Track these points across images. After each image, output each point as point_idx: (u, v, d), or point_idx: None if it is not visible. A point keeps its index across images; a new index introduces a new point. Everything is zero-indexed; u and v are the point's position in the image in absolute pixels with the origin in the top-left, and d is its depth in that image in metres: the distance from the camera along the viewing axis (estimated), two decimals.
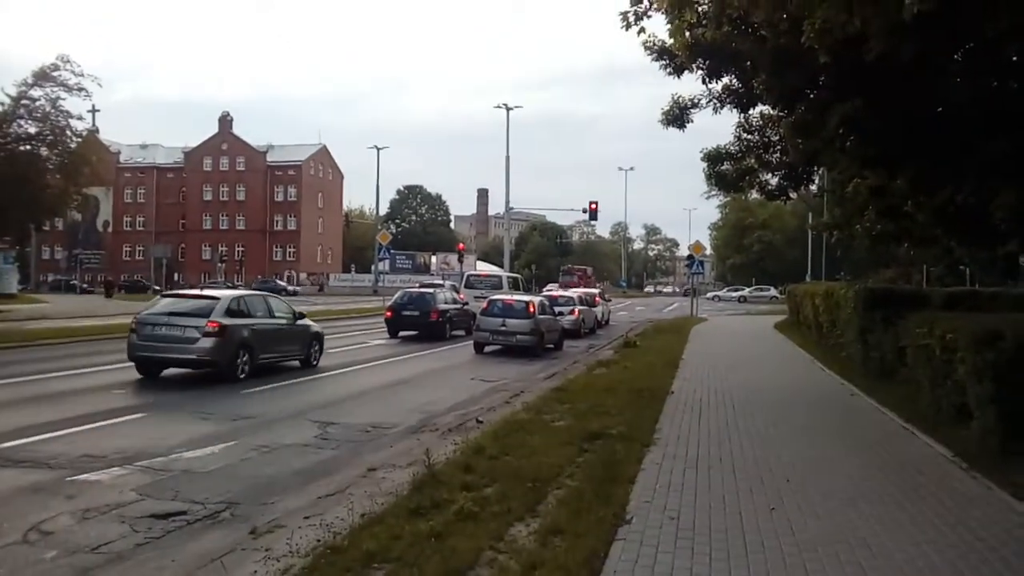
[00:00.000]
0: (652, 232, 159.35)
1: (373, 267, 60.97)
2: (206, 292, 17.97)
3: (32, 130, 38.37)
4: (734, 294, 75.44)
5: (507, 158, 53.43)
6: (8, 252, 55.32)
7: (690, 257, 42.51)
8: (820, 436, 9.92)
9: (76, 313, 35.00)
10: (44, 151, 38.96)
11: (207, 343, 14.33)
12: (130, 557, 5.82)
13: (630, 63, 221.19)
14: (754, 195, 27.37)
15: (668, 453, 8.51)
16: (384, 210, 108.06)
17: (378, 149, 63.52)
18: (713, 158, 17.55)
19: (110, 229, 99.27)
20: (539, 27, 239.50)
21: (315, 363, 17.55)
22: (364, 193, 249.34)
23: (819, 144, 11.96)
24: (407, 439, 10.25)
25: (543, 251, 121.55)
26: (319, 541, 5.84)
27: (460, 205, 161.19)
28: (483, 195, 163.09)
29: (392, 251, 67.20)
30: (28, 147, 38.74)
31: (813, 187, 24.07)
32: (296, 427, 10.86)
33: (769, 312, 45.84)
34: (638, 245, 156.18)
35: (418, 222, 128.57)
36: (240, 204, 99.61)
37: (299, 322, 17.44)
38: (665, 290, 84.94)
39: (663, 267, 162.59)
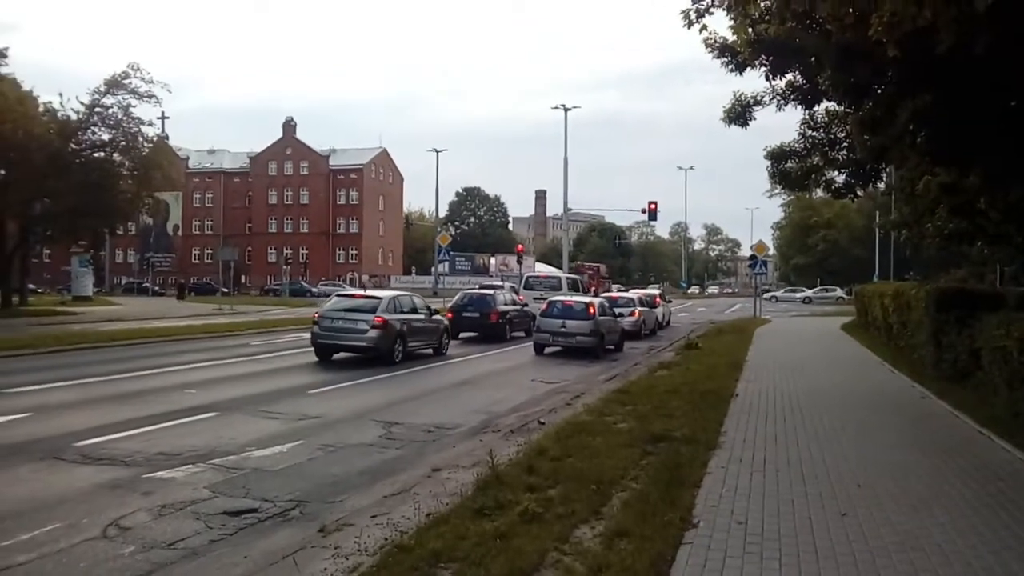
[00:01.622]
0: (713, 232, 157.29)
1: (433, 269, 61.55)
2: (370, 292, 22.64)
3: (105, 137, 39.81)
4: (795, 295, 73.59)
5: (565, 159, 53.25)
6: (83, 256, 57.38)
7: (753, 257, 41.87)
8: (891, 440, 9.66)
9: (149, 315, 36.14)
10: (117, 157, 40.34)
11: (374, 334, 18.03)
12: (204, 553, 5.98)
13: (688, 61, 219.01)
14: (819, 193, 26.85)
15: (734, 456, 8.40)
16: (443, 212, 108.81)
17: (437, 152, 64.16)
18: (777, 156, 17.28)
19: (180, 233, 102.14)
20: (594, 27, 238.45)
21: (444, 351, 20.96)
22: (424, 196, 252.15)
23: (887, 140, 11.67)
24: (470, 440, 10.32)
25: (602, 252, 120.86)
26: (386, 540, 5.93)
27: (518, 207, 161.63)
28: (541, 196, 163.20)
29: (451, 253, 67.81)
30: (102, 154, 40.18)
31: (881, 185, 23.52)
32: (360, 427, 11.03)
33: (835, 313, 44.81)
34: (699, 245, 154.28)
35: (477, 224, 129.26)
36: (304, 207, 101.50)
37: (433, 317, 20.96)
38: (726, 290, 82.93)
39: (725, 268, 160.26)
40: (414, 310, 20.13)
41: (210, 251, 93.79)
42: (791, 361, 18.99)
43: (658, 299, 35.69)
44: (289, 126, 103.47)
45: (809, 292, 74.26)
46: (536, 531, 5.92)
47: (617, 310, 25.59)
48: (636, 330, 27.34)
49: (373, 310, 18.40)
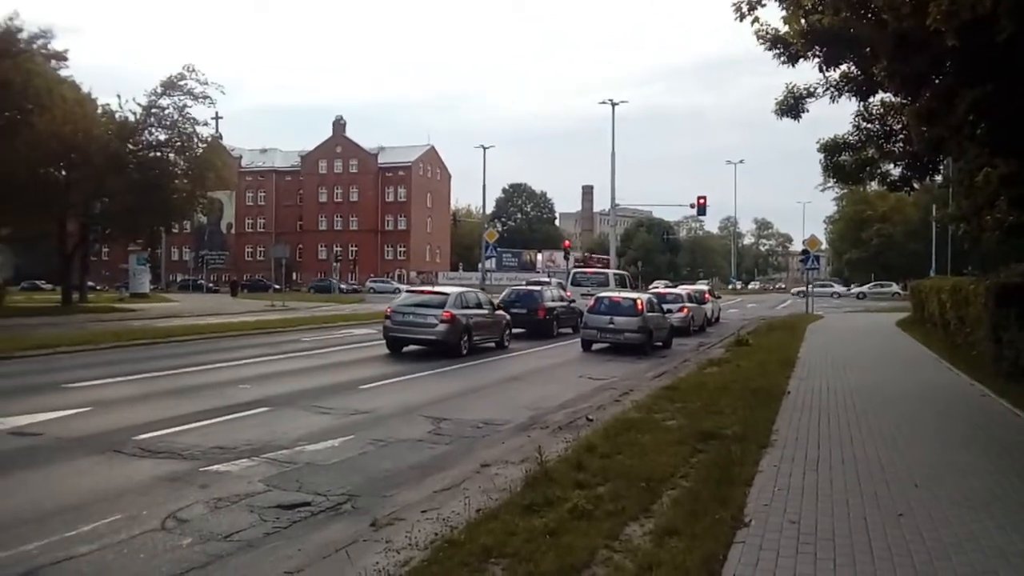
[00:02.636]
0: (763, 227, 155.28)
1: (480, 265, 61.76)
2: (438, 288, 23.82)
3: (162, 137, 40.83)
4: (831, 290, 71.86)
5: (612, 154, 53.02)
6: (141, 253, 58.91)
7: (805, 252, 41.20)
8: (949, 439, 9.43)
9: (204, 311, 36.92)
10: (173, 157, 41.29)
11: (443, 328, 18.88)
12: (260, 545, 6.09)
13: (737, 53, 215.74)
14: (873, 187, 26.28)
15: (786, 455, 8.28)
16: (490, 209, 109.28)
17: (484, 148, 64.11)
18: (830, 149, 16.98)
19: (233, 231, 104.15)
20: (640, 22, 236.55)
21: (507, 345, 21.65)
22: (471, 192, 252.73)
23: (945, 132, 11.37)
24: (518, 436, 10.34)
25: (650, 247, 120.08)
26: (437, 534, 5.98)
27: (565, 203, 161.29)
28: (588, 192, 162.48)
29: (499, 249, 67.90)
30: (158, 154, 41.17)
31: (938, 177, 22.95)
32: (409, 422, 11.13)
33: (890, 309, 43.87)
34: (748, 240, 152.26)
35: (523, 220, 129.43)
36: (353, 205, 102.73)
37: (496, 312, 21.88)
38: (777, 286, 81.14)
39: (775, 263, 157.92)
40: (479, 305, 21.00)
41: (263, 249, 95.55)
42: (845, 358, 18.64)
43: (707, 295, 35.33)
44: (339, 125, 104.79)
45: (864, 287, 72.73)
46: (586, 528, 5.92)
47: (665, 306, 25.39)
48: (685, 326, 27.09)
49: (441, 305, 19.28)
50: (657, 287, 50.18)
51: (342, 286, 75.68)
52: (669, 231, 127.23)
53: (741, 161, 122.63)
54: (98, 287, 63.02)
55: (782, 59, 13.37)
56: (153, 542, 6.09)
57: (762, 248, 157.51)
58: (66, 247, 41.27)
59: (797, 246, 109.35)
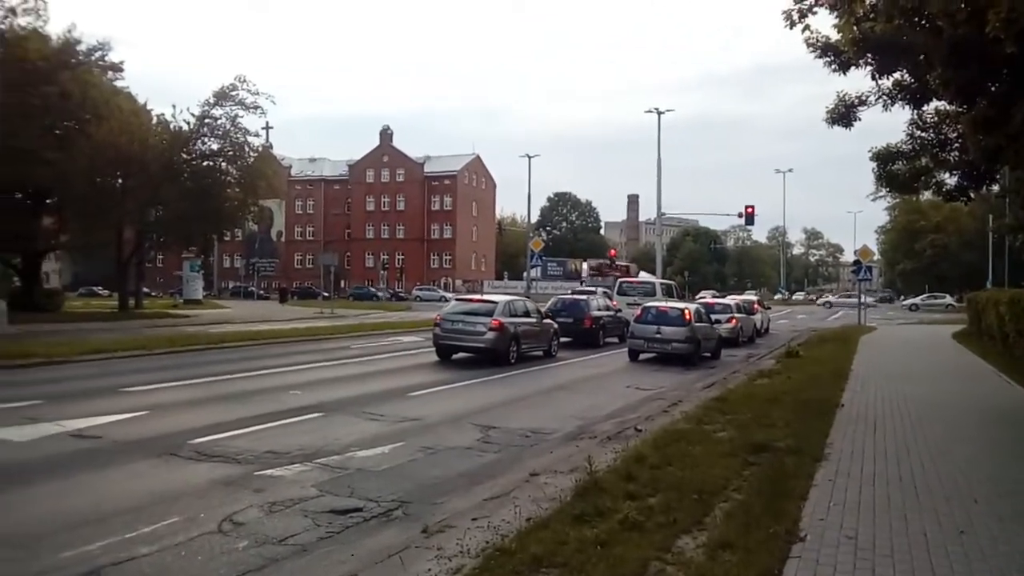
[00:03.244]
0: (813, 236, 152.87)
1: (525, 274, 61.86)
2: (487, 296, 23.87)
3: (214, 147, 41.73)
4: (871, 300, 70.15)
5: (659, 162, 52.64)
6: (194, 261, 60.23)
7: (856, 263, 40.47)
8: (1010, 454, 9.18)
9: (255, 318, 37.57)
10: (224, 166, 42.18)
11: (491, 336, 19.04)
12: (313, 550, 6.17)
13: (785, 61, 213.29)
14: (927, 196, 25.72)
15: (841, 469, 8.12)
16: (535, 217, 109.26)
17: (529, 157, 64.12)
18: (883, 157, 16.71)
19: (283, 238, 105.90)
20: (686, 30, 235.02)
21: (554, 354, 21.73)
22: (516, 201, 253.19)
23: (1003, 140, 11.12)
24: (567, 445, 10.32)
25: (696, 257, 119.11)
26: (487, 543, 5.99)
27: (610, 211, 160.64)
28: (633, 201, 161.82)
29: (544, 258, 67.98)
30: (211, 163, 42.09)
31: (995, 187, 22.39)
32: (458, 430, 11.18)
33: (944, 321, 42.84)
34: (798, 250, 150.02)
35: (568, 229, 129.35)
36: (400, 213, 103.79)
37: (544, 321, 21.99)
38: (825, 299, 79.68)
39: (825, 273, 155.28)
40: (527, 313, 21.16)
41: (311, 256, 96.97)
42: (900, 370, 18.24)
43: (756, 305, 34.90)
44: (386, 134, 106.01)
45: (916, 299, 71.07)
46: (637, 539, 5.88)
47: (714, 316, 25.14)
48: (733, 337, 26.79)
49: (490, 313, 19.55)
50: (704, 297, 49.70)
51: (379, 293, 76.47)
52: (716, 241, 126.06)
53: (790, 170, 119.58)
54: (153, 293, 64.62)
55: (833, 67, 13.22)
56: (210, 544, 6.20)
57: (811, 258, 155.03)
58: (122, 254, 42.36)
59: (848, 256, 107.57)
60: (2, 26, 28.33)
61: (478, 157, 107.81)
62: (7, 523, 6.61)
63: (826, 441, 9.51)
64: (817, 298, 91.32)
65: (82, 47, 34.87)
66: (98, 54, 35.81)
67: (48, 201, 39.79)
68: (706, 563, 5.42)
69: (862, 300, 42.58)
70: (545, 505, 6.98)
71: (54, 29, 34.21)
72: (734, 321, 27.57)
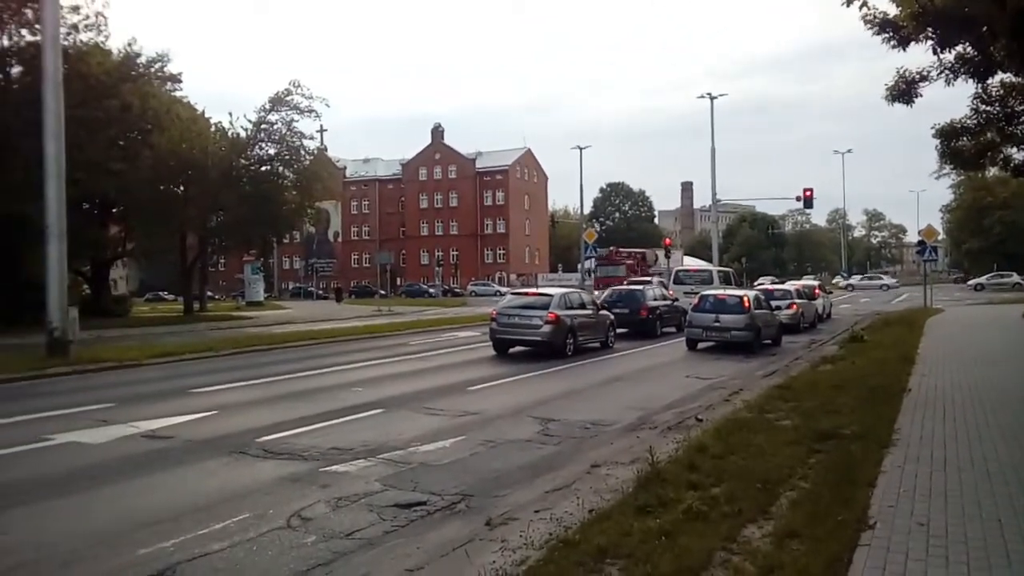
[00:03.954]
0: (875, 218, 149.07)
1: (579, 266, 61.62)
2: (542, 290, 23.85)
3: (271, 151, 42.53)
4: (879, 282, 68.46)
5: (712, 148, 51.98)
6: (254, 263, 61.52)
7: (921, 243, 39.35)
8: None
9: (315, 318, 38.21)
10: (281, 169, 42.96)
11: (547, 329, 19.14)
12: (380, 543, 6.26)
13: (839, 40, 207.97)
14: (994, 172, 24.86)
15: (910, 455, 7.93)
16: (588, 209, 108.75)
17: (580, 149, 63.82)
18: (947, 134, 16.24)
19: (340, 239, 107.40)
20: (736, 13, 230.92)
21: (611, 345, 21.59)
22: (568, 193, 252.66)
23: None
24: (627, 436, 10.27)
25: (753, 243, 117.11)
26: (551, 534, 6.01)
27: (664, 200, 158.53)
28: (687, 188, 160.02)
29: (598, 249, 67.55)
30: (268, 167, 42.90)
31: None
32: (518, 423, 11.22)
33: (1013, 300, 41.37)
34: (859, 232, 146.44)
35: (622, 219, 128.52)
36: (453, 210, 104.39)
37: (600, 312, 22.01)
38: (884, 282, 77.15)
39: (889, 255, 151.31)
40: (582, 305, 21.14)
41: (368, 255, 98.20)
42: (969, 353, 17.70)
43: (817, 291, 34.22)
44: (437, 132, 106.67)
45: (981, 279, 68.74)
46: (702, 529, 5.83)
47: (774, 303, 24.74)
48: (795, 323, 26.32)
49: (546, 307, 19.53)
50: (763, 283, 48.88)
51: (431, 290, 77.08)
52: (774, 225, 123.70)
53: (849, 150, 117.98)
54: (216, 296, 66.22)
55: (892, 43, 12.87)
56: (280, 540, 6.33)
57: (874, 240, 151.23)
58: (186, 259, 43.54)
59: (912, 237, 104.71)
60: (65, 42, 29.26)
61: (529, 151, 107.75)
62: (88, 522, 6.86)
63: (894, 427, 9.29)
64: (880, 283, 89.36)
65: (142, 59, 35.86)
66: (157, 66, 36.80)
67: (114, 210, 41.10)
68: (773, 552, 5.35)
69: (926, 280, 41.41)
70: (607, 496, 6.98)
71: (114, 43, 35.29)
72: (795, 307, 27.08)
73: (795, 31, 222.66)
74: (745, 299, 21.40)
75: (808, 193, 48.84)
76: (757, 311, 21.40)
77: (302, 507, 7.12)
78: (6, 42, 30.98)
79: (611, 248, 60.80)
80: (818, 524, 5.79)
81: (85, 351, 18.93)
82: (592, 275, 49.93)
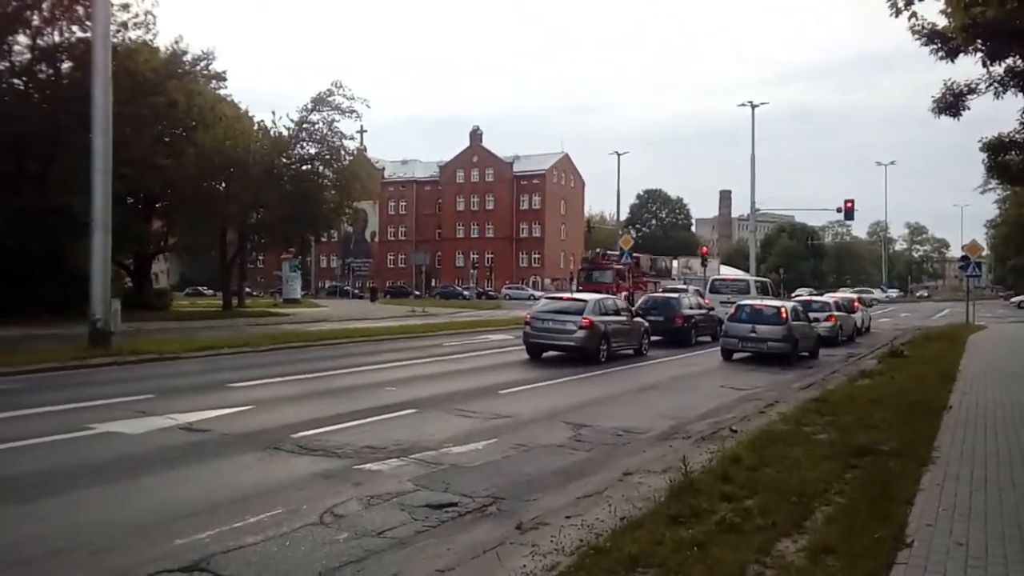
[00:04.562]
0: (916, 231, 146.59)
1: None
2: (576, 295, 23.50)
3: (312, 151, 42.99)
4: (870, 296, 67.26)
5: (752, 157, 51.54)
6: (292, 261, 62.18)
7: (964, 258, 38.58)
8: None
9: (351, 316, 38.52)
10: (322, 169, 43.42)
11: (581, 334, 19.00)
12: (411, 543, 6.28)
13: (885, 51, 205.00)
14: None
15: (950, 473, 7.78)
16: (624, 215, 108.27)
17: (619, 155, 63.61)
18: (995, 147, 15.92)
19: (376, 239, 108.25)
20: (779, 21, 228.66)
21: (645, 352, 21.56)
22: (605, 199, 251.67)
23: None
24: (659, 445, 10.22)
25: (792, 253, 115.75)
26: (582, 541, 5.99)
27: (701, 208, 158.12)
28: (725, 197, 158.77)
29: (633, 256, 67.21)
30: (308, 166, 43.39)
31: None
32: (550, 428, 11.21)
33: None
34: (900, 246, 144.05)
35: (658, 226, 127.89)
36: (489, 213, 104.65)
37: (634, 319, 21.91)
38: (923, 293, 75.29)
39: (930, 269, 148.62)
40: (617, 312, 21.02)
41: (403, 256, 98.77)
42: (1012, 371, 17.33)
43: (856, 303, 33.75)
44: (476, 135, 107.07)
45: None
46: (735, 541, 5.77)
47: (812, 315, 24.44)
48: (833, 336, 26.01)
49: (580, 312, 19.48)
50: (800, 294, 48.26)
51: (465, 292, 77.30)
52: (813, 236, 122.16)
53: (892, 162, 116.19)
54: (255, 293, 67.03)
55: (940, 55, 12.68)
56: (312, 535, 6.38)
57: (915, 254, 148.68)
58: (226, 255, 44.17)
59: (955, 252, 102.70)
60: (114, 40, 29.87)
61: (567, 155, 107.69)
62: (126, 512, 6.97)
63: (933, 444, 9.13)
64: (917, 295, 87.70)
65: (187, 57, 36.42)
66: (202, 64, 37.33)
67: (158, 205, 41.86)
68: (808, 567, 5.28)
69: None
70: (639, 505, 6.94)
71: (161, 41, 35.88)
72: (833, 319, 26.74)
73: (840, 40, 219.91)
74: (783, 310, 21.18)
75: (849, 205, 48.19)
76: (795, 322, 21.17)
77: (335, 504, 7.17)
78: (57, 38, 31.67)
79: (596, 250, 56.51)
80: (854, 540, 5.70)
81: (126, 343, 19.28)
82: (575, 282, 46.65)
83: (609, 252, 51.50)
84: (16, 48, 31.51)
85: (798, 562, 5.41)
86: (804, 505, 6.68)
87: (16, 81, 32.33)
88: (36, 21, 31.19)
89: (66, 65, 32.46)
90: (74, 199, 24.71)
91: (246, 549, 6.00)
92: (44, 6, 30.67)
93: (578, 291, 40.96)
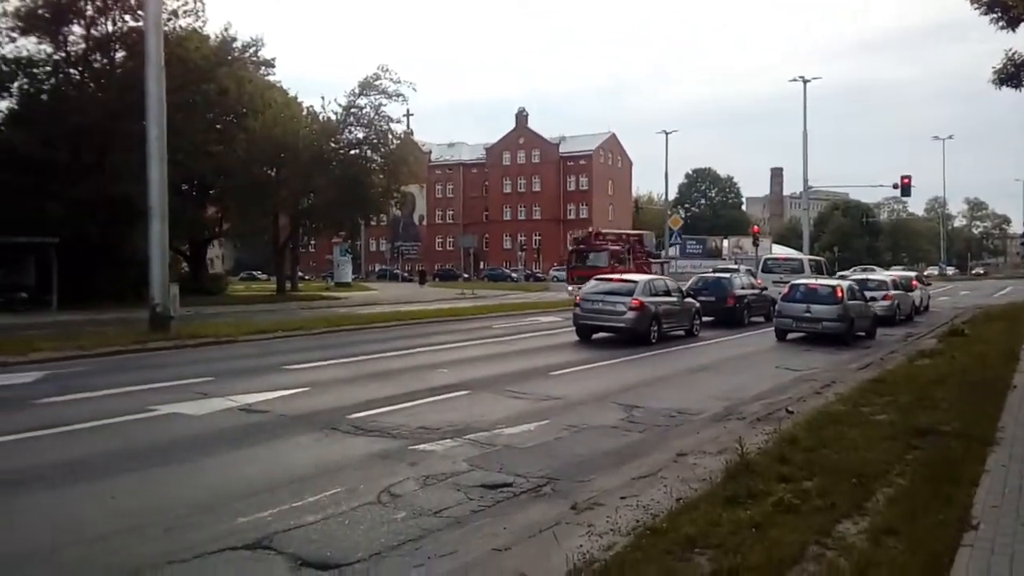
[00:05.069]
0: (976, 207, 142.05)
1: (663, 253, 60.96)
2: (627, 276, 23.07)
3: (360, 135, 43.33)
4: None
5: (804, 133, 50.39)
6: (343, 245, 62.93)
7: None
8: None
9: (401, 299, 38.88)
10: (369, 153, 43.76)
11: (631, 315, 18.89)
12: (467, 523, 6.35)
13: (940, 21, 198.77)
14: None
15: (1015, 454, 7.59)
16: (673, 195, 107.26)
17: (667, 133, 62.77)
18: None
19: (424, 222, 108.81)
20: None
21: (696, 333, 21.29)
22: (653, 179, 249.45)
23: None
24: (713, 426, 10.14)
25: (846, 231, 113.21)
26: (638, 521, 6.00)
27: (752, 187, 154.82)
28: (777, 174, 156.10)
29: (682, 236, 66.50)
30: (357, 151, 43.75)
31: None
32: (602, 409, 11.20)
33: None
34: (959, 222, 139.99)
35: (708, 206, 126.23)
36: (536, 195, 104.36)
37: (685, 300, 21.55)
38: (976, 271, 72.66)
39: (991, 246, 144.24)
40: (667, 293, 20.87)
41: (451, 239, 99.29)
42: None
43: (915, 282, 32.93)
44: (521, 116, 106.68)
45: None
46: (793, 523, 5.72)
47: (868, 294, 23.93)
48: (890, 315, 25.42)
49: (630, 293, 19.31)
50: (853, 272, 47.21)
51: (513, 274, 77.33)
52: (868, 214, 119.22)
53: (950, 136, 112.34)
54: (307, 277, 67.98)
55: (1000, 24, 12.28)
56: (371, 515, 6.48)
57: (975, 231, 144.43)
58: (278, 240, 44.87)
59: (1016, 228, 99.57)
60: (166, 28, 30.41)
61: (613, 135, 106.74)
62: (191, 489, 7.18)
63: (997, 425, 8.91)
64: (972, 272, 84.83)
65: (237, 44, 36.89)
66: (252, 51, 37.81)
67: (211, 192, 42.63)
68: (870, 549, 5.22)
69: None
70: (695, 486, 6.92)
71: (211, 29, 36.43)
72: (890, 298, 26.16)
73: (893, 10, 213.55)
74: (838, 289, 20.79)
75: (906, 181, 46.88)
76: (851, 302, 20.76)
77: (391, 484, 7.27)
78: (110, 27, 32.37)
79: (589, 230, 48.20)
80: (917, 522, 5.61)
81: (184, 327, 19.74)
82: (567, 270, 41.79)
83: (604, 230, 46.75)
84: (71, 38, 32.31)
85: (859, 544, 5.35)
86: (864, 486, 6.59)
87: (72, 71, 33.15)
88: (90, 11, 31.91)
89: (120, 54, 33.18)
90: (130, 187, 25.28)
91: (307, 527, 6.11)
92: None
93: (568, 279, 39.20)
